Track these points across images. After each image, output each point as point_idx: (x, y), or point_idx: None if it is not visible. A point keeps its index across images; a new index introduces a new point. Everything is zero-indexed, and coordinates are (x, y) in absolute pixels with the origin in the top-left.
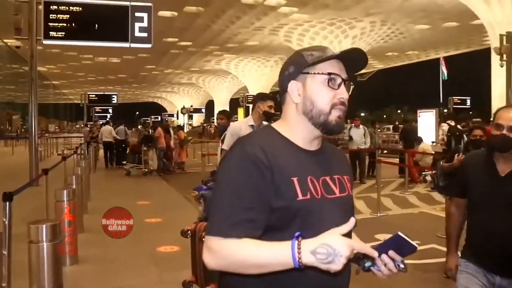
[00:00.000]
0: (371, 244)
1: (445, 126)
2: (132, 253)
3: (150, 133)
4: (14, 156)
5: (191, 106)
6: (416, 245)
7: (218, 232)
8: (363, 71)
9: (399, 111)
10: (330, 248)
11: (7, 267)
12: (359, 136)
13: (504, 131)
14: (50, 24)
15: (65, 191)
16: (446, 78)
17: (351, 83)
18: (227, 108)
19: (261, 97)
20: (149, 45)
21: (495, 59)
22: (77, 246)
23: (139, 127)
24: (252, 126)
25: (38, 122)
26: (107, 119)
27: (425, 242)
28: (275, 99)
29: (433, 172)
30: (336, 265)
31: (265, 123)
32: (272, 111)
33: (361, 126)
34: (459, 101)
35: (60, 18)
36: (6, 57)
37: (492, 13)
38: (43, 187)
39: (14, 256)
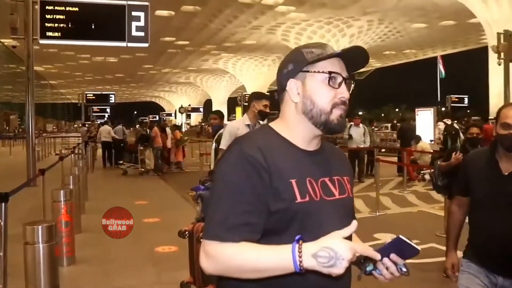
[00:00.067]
0: (370, 243)
1: (441, 125)
2: (130, 253)
3: (148, 132)
4: (11, 156)
5: (189, 105)
6: (419, 248)
7: (215, 236)
8: (361, 69)
9: (397, 109)
10: (331, 251)
11: (3, 268)
12: (359, 135)
13: None
14: (46, 23)
15: (62, 191)
16: (443, 76)
17: (352, 82)
18: (225, 107)
19: (256, 96)
20: (146, 45)
21: (492, 57)
22: (74, 247)
23: (137, 126)
24: (248, 125)
25: (36, 122)
26: (106, 119)
27: (424, 241)
28: (270, 98)
29: (432, 170)
30: (338, 269)
31: (262, 122)
32: (267, 110)
33: (361, 125)
34: (457, 99)
35: (57, 18)
36: (3, 57)
37: (489, 11)
38: (40, 187)
39: (11, 257)
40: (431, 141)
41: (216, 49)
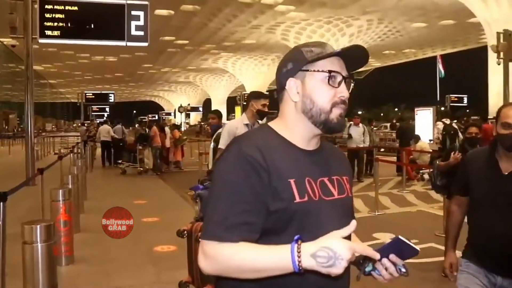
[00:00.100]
0: (369, 243)
1: (440, 125)
2: (129, 252)
3: (147, 132)
4: (10, 156)
5: (189, 104)
6: (418, 249)
7: (213, 236)
8: (360, 69)
9: (396, 109)
10: (331, 251)
11: (1, 267)
12: (358, 134)
13: None
14: (45, 23)
15: (60, 190)
16: (443, 76)
17: (352, 81)
18: (225, 107)
19: (254, 95)
20: (145, 44)
21: (492, 57)
22: (73, 246)
23: (136, 126)
24: (247, 125)
25: (35, 121)
26: (105, 118)
27: (423, 241)
28: (269, 97)
29: (431, 170)
30: (337, 269)
31: (261, 122)
32: (266, 109)
33: (360, 124)
34: (456, 99)
35: (56, 17)
36: (2, 56)
37: (489, 11)
38: (39, 187)
39: (9, 257)
40: (430, 140)
41: (216, 49)
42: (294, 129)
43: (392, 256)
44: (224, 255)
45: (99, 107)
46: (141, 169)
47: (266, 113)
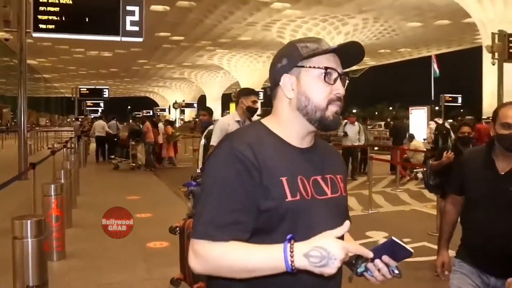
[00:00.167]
0: (362, 241)
1: (432, 124)
2: (121, 248)
3: (140, 127)
4: (3, 150)
5: (183, 101)
6: (411, 250)
7: (203, 235)
8: (355, 67)
9: (391, 108)
10: (324, 251)
11: None
12: (353, 133)
13: None
14: (39, 16)
15: (52, 185)
16: (437, 75)
17: (347, 78)
18: (219, 103)
19: (244, 92)
20: (140, 39)
21: (486, 57)
22: (64, 241)
23: (130, 121)
24: (238, 121)
25: (29, 115)
26: (99, 113)
27: (416, 240)
28: (258, 94)
29: (424, 169)
30: (330, 269)
31: (255, 118)
32: (256, 106)
33: (356, 123)
34: (450, 98)
35: (50, 10)
36: None
37: (484, 11)
38: (31, 181)
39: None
40: (424, 139)
41: (211, 45)
42: (288, 126)
43: (385, 257)
44: (214, 255)
45: (94, 102)
46: (134, 164)
47: (256, 110)
